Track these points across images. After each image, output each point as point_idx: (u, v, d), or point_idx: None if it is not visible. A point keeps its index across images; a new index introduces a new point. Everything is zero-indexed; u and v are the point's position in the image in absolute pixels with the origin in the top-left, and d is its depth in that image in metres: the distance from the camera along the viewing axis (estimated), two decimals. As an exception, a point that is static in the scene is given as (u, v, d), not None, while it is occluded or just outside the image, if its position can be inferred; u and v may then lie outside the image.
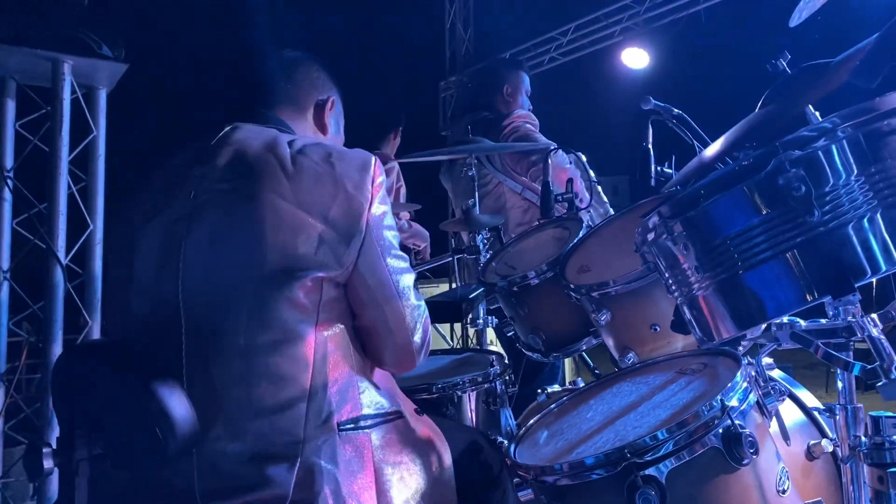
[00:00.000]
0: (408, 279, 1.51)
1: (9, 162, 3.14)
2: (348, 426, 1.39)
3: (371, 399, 1.46)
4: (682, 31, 6.57)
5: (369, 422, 1.44)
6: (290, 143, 1.46)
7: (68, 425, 1.37)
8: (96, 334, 3.23)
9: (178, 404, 1.28)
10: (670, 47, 6.59)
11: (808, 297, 1.10)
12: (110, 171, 3.27)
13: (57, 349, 2.92)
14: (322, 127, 1.71)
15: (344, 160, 1.45)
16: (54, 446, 1.32)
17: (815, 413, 1.87)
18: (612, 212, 3.41)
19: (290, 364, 1.35)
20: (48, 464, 1.27)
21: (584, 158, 3.37)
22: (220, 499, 1.31)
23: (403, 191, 4.46)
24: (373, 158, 1.49)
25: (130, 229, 1.46)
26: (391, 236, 1.49)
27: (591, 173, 3.37)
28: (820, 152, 1.07)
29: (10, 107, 3.17)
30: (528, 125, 3.42)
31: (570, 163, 3.25)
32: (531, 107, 3.68)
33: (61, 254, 2.96)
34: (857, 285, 1.05)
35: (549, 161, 2.57)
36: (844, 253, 1.06)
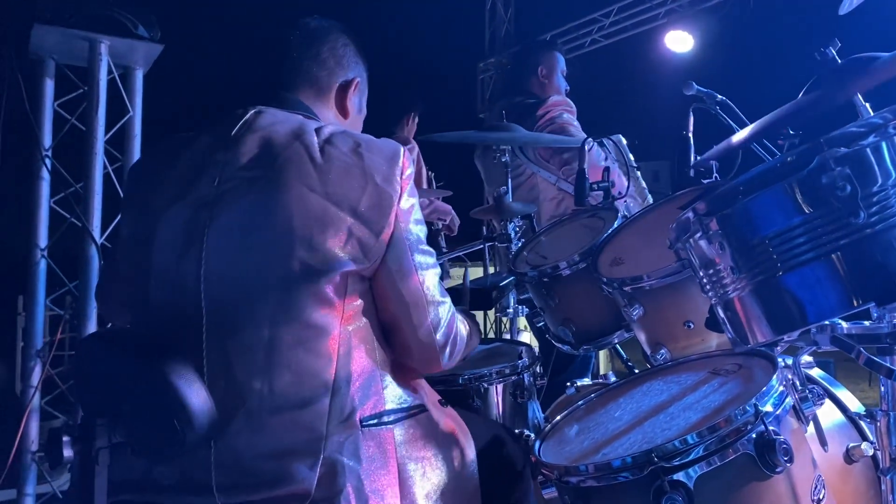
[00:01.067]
0: (433, 275, 1.48)
1: (47, 141, 3.17)
2: (371, 422, 1.37)
3: (394, 393, 1.44)
4: (729, 14, 6.39)
5: (392, 417, 1.42)
6: (318, 132, 1.43)
7: (89, 412, 1.37)
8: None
9: (195, 396, 1.26)
10: (716, 31, 6.39)
11: (851, 303, 1.03)
12: (146, 151, 3.28)
13: (91, 327, 2.96)
14: (343, 110, 1.64)
15: (373, 151, 1.42)
16: (76, 433, 1.32)
17: (856, 415, 1.80)
18: (650, 199, 3.31)
19: (314, 358, 1.33)
20: (67, 452, 1.27)
21: (624, 141, 3.26)
22: (241, 493, 1.30)
23: (424, 173, 4.39)
24: (401, 149, 1.45)
25: (149, 215, 1.43)
26: (419, 230, 1.46)
27: (631, 157, 3.25)
28: (868, 150, 1.00)
29: (49, 86, 3.20)
30: (565, 115, 3.29)
31: (606, 158, 3.12)
32: (568, 87, 3.57)
33: (96, 233, 2.99)
34: (904, 293, 0.99)
35: (587, 149, 2.49)
36: (891, 257, 0.99)
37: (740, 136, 1.63)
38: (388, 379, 1.45)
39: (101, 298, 1.72)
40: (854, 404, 1.85)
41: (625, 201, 2.70)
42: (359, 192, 1.37)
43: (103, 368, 1.39)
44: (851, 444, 1.72)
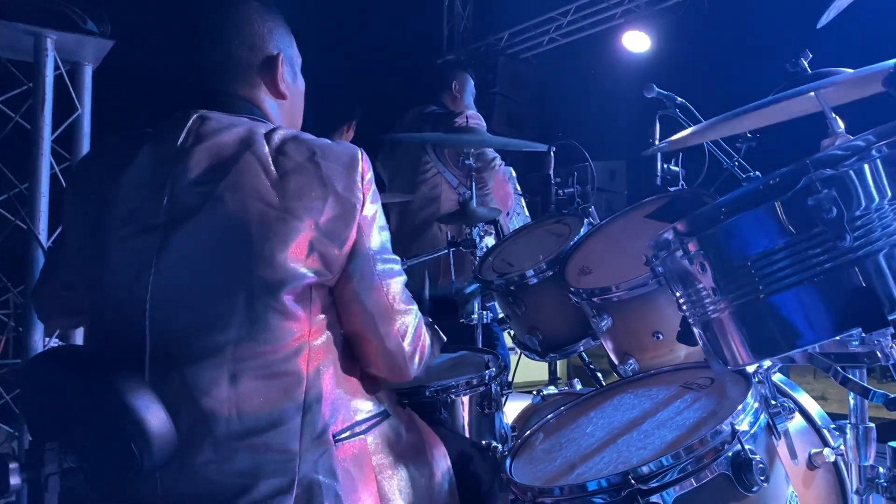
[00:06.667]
0: (398, 283, 1.43)
1: (-11, 139, 3.02)
2: (344, 435, 1.33)
3: (363, 403, 1.41)
4: (685, 15, 6.46)
5: (364, 426, 1.38)
6: (268, 139, 1.34)
7: (38, 436, 1.30)
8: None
9: (154, 418, 1.20)
10: (672, 32, 6.45)
11: (836, 328, 1.02)
12: (90, 154, 3.15)
13: (37, 334, 2.83)
14: (277, 93, 1.51)
15: (329, 158, 1.34)
16: (23, 459, 1.24)
17: (817, 419, 1.81)
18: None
19: (283, 379, 1.27)
20: (15, 480, 1.20)
21: (513, 173, 3.88)
22: None
23: None
24: (359, 153, 1.38)
25: (99, 237, 1.34)
26: (382, 237, 1.41)
27: (518, 187, 4.04)
28: (853, 172, 0.98)
29: (-9, 82, 3.05)
30: (479, 128, 3.50)
31: (510, 177, 3.59)
32: (474, 109, 3.84)
33: (43, 236, 2.86)
34: (891, 318, 0.97)
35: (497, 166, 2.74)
36: (876, 282, 0.98)
37: (687, 132, 1.61)
38: (356, 389, 1.41)
39: (39, 302, 1.60)
40: (814, 408, 1.86)
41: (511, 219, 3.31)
42: (319, 203, 1.30)
43: (54, 389, 1.31)
44: (814, 450, 1.73)
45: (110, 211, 1.34)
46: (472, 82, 3.89)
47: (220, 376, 1.25)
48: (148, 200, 1.32)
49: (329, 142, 1.39)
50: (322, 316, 1.34)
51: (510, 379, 2.25)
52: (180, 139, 1.35)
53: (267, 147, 1.33)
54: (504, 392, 2.09)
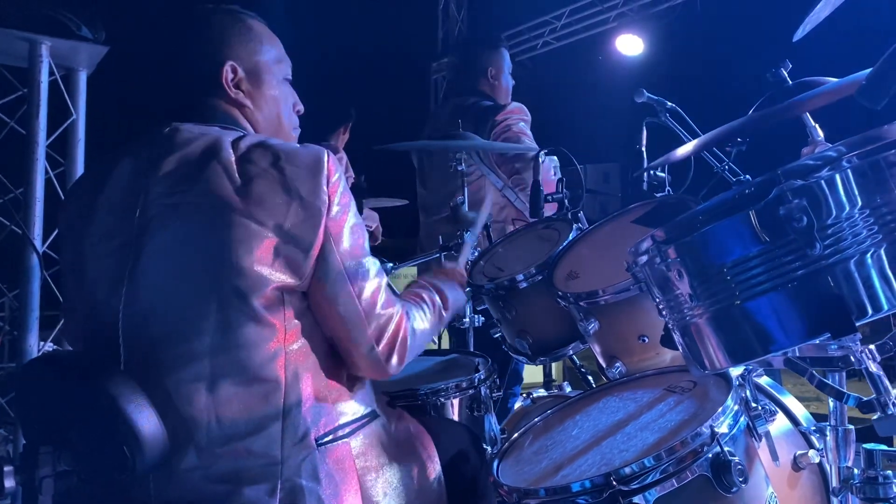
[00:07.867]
0: (372, 285, 1.41)
1: (-16, 144, 3.05)
2: (326, 439, 1.35)
3: (346, 406, 1.42)
4: (677, 19, 6.50)
5: (347, 430, 1.39)
6: (235, 146, 1.36)
7: (33, 440, 1.32)
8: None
9: (146, 422, 1.23)
10: (665, 35, 6.51)
11: (807, 334, 1.04)
12: (90, 155, 3.18)
13: (32, 338, 2.86)
14: (231, 101, 1.49)
15: (293, 162, 1.34)
16: (17, 461, 1.27)
17: (802, 422, 1.84)
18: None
19: (261, 385, 1.29)
20: (9, 482, 1.22)
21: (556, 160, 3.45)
22: None
23: (352, 181, 4.34)
24: (324, 155, 1.37)
25: (81, 250, 1.38)
26: (353, 238, 1.39)
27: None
28: (823, 182, 1.01)
29: (-14, 87, 3.08)
30: (521, 123, 3.29)
31: (557, 172, 3.23)
32: (514, 82, 3.59)
33: (38, 241, 2.88)
34: (858, 324, 1.01)
35: (541, 162, 2.52)
36: (846, 289, 1.01)
37: (686, 148, 1.64)
38: (339, 392, 1.42)
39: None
40: (800, 411, 1.89)
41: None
42: (283, 208, 1.31)
43: (48, 394, 1.34)
44: (799, 452, 1.75)
45: (90, 227, 1.38)
46: (507, 57, 3.54)
47: (199, 384, 1.27)
48: (122, 215, 1.34)
49: (296, 146, 1.39)
50: (297, 321, 1.35)
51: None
52: (153, 152, 1.38)
53: (233, 154, 1.34)
54: (494, 395, 2.12)
